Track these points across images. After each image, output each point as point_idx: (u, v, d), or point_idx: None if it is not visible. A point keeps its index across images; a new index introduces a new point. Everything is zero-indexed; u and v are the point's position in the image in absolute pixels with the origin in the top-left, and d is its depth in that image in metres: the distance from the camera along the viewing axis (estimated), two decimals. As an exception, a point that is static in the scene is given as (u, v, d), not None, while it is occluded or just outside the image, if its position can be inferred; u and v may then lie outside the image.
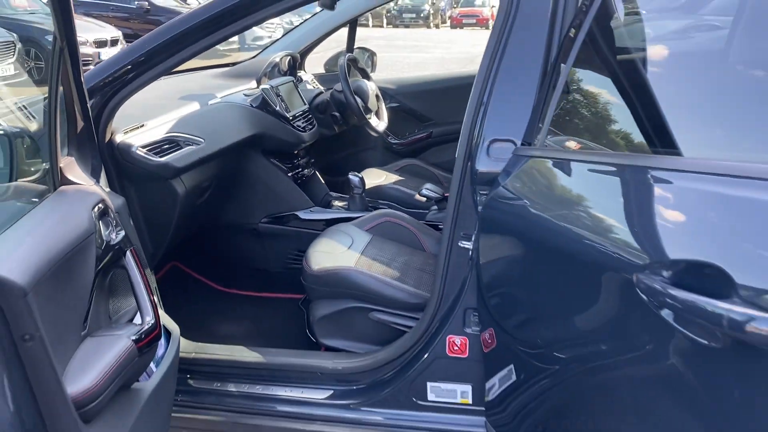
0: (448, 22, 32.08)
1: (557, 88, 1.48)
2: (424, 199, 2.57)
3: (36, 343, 1.00)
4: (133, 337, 1.26)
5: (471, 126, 1.65)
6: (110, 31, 12.23)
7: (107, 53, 10.98)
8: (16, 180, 1.55)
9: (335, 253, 2.15)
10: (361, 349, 2.02)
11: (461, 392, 1.80)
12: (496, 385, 1.68)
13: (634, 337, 1.08)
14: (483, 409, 1.76)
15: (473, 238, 1.67)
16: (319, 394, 1.92)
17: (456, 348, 1.76)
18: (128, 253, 1.48)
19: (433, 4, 30.00)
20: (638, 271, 1.01)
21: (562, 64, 1.51)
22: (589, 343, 1.25)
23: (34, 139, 1.71)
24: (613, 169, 1.26)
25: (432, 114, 3.43)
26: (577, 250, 1.23)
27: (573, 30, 1.51)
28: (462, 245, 1.70)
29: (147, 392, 1.42)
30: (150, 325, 1.36)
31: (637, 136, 1.39)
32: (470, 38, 20.07)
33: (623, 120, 1.44)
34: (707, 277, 0.90)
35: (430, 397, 1.81)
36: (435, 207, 2.60)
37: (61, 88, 1.44)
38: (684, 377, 0.98)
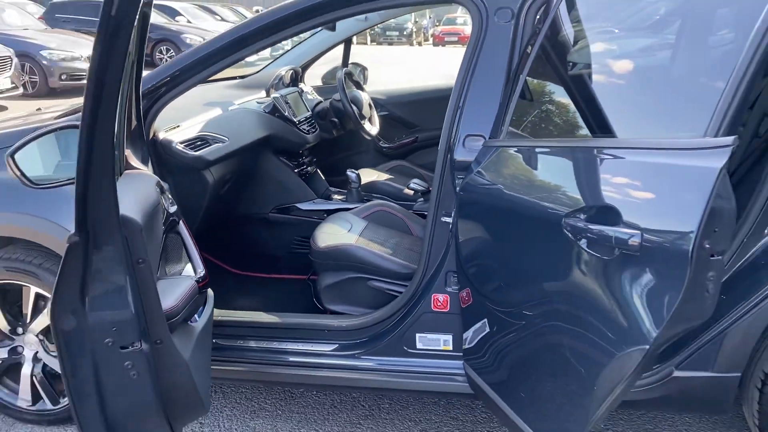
0: (431, 40, 32.80)
1: (516, 93, 1.91)
2: (412, 192, 2.99)
3: (146, 266, 1.40)
4: (196, 278, 1.67)
5: (450, 125, 2.08)
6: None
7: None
8: None
9: (338, 234, 2.57)
10: (360, 312, 2.42)
11: (443, 341, 2.21)
12: (471, 335, 2.10)
13: (564, 265, 1.51)
14: (461, 354, 2.17)
15: (453, 214, 2.09)
16: (327, 348, 2.32)
17: (439, 304, 2.17)
18: (180, 221, 1.88)
19: (416, 22, 30.67)
20: (566, 218, 1.45)
21: (520, 75, 1.94)
22: (537, 280, 1.68)
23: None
24: (561, 150, 1.70)
25: (417, 121, 3.88)
26: (531, 213, 1.66)
27: (529, 47, 1.95)
28: (444, 220, 2.12)
29: (198, 329, 1.82)
30: (202, 274, 1.76)
31: (580, 125, 1.83)
32: (452, 55, 20.63)
33: (568, 114, 1.88)
34: (608, 215, 1.33)
35: (419, 345, 2.22)
36: (421, 199, 3.03)
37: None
38: (598, 282, 1.42)
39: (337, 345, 2.32)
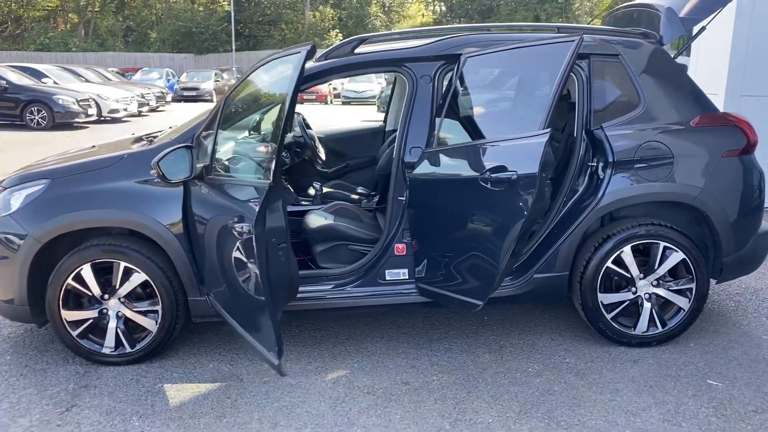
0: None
1: (437, 125, 3.42)
2: (358, 196, 4.40)
3: (285, 249, 2.71)
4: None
5: (401, 141, 3.53)
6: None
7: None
8: (191, 175, 3.18)
9: (321, 220, 3.90)
10: (344, 266, 3.75)
11: (402, 273, 3.60)
12: (419, 266, 3.52)
13: (476, 202, 3.03)
14: (414, 279, 3.58)
15: (405, 195, 3.52)
16: (326, 286, 3.61)
17: (399, 250, 3.58)
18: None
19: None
20: (480, 176, 2.96)
21: (437, 118, 3.46)
22: (458, 219, 3.18)
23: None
24: (469, 147, 3.22)
25: (347, 151, 5.31)
26: (451, 183, 3.16)
27: (441, 100, 3.47)
28: (399, 199, 3.55)
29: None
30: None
31: (466, 137, 3.38)
32: (317, 110, 22.21)
33: (462, 132, 3.42)
34: (501, 169, 2.88)
35: (387, 278, 3.59)
36: (365, 200, 4.44)
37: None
38: (497, 203, 2.97)
39: (333, 284, 3.62)
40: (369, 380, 3.33)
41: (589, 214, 3.44)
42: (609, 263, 3.51)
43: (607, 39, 3.61)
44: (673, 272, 3.58)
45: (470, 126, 3.43)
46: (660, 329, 3.60)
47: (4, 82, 15.86)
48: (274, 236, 2.89)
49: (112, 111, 17.86)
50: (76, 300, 3.49)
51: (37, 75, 18.21)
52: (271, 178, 2.79)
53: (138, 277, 3.42)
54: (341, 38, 45.44)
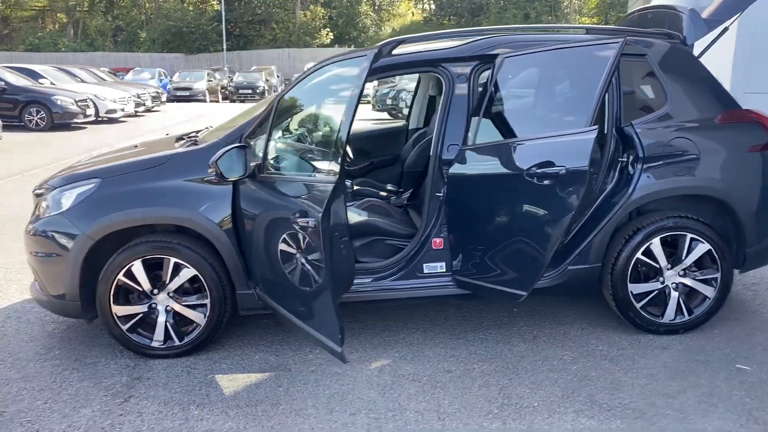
0: (281, 97, 34.55)
1: (473, 123, 3.56)
2: (386, 193, 4.54)
3: (347, 242, 2.84)
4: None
5: (438, 140, 3.67)
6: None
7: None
8: (245, 174, 3.30)
9: (356, 216, 4.03)
10: (380, 260, 3.88)
11: (440, 266, 3.74)
12: (456, 260, 3.66)
13: (520, 197, 3.18)
14: (450, 273, 3.72)
15: (442, 192, 3.65)
16: (366, 279, 3.74)
17: (436, 244, 3.72)
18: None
19: (267, 81, 32.37)
20: (526, 172, 3.11)
21: (474, 117, 3.60)
22: (498, 214, 3.32)
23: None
24: (504, 145, 3.37)
25: (371, 149, 5.44)
26: (491, 178, 3.30)
27: (479, 99, 3.62)
28: (437, 195, 3.69)
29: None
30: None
31: (503, 135, 3.52)
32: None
33: (499, 130, 3.56)
34: (550, 165, 3.02)
35: (425, 271, 3.73)
36: (394, 197, 4.58)
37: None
38: (545, 197, 3.13)
39: (372, 277, 3.75)
40: (412, 369, 3.47)
41: (621, 208, 3.59)
42: (639, 254, 3.66)
43: (634, 39, 3.76)
44: (699, 263, 3.75)
45: (509, 124, 3.57)
46: (687, 317, 3.76)
47: (3, 83, 15.83)
48: (337, 230, 3.02)
49: (109, 111, 17.87)
50: (125, 295, 3.60)
51: (34, 75, 18.17)
52: (338, 176, 2.92)
53: (187, 272, 3.54)
54: (332, 37, 45.62)
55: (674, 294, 3.73)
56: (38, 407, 3.15)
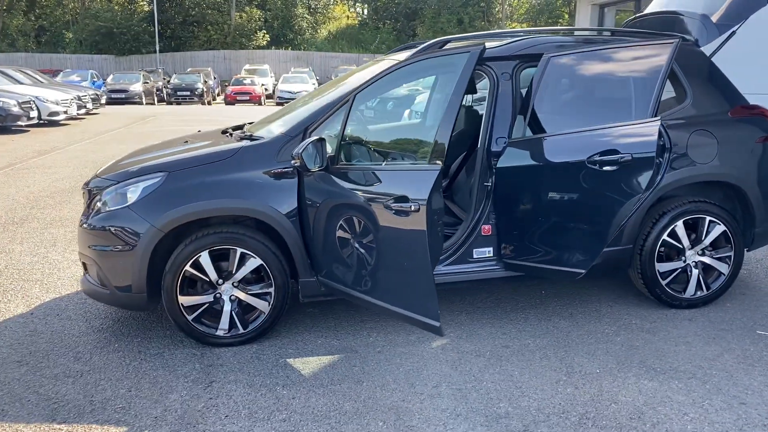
0: (218, 99, 34.17)
1: (517, 120, 3.85)
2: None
3: (442, 225, 3.08)
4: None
5: (485, 133, 3.94)
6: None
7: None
8: (324, 165, 3.46)
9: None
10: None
11: (488, 251, 4.00)
12: (503, 246, 3.94)
13: (580, 184, 3.48)
14: (497, 257, 3.99)
15: (490, 182, 3.92)
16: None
17: (485, 230, 3.98)
18: None
19: (205, 83, 31.90)
20: (588, 159, 3.42)
21: (519, 115, 3.89)
22: (558, 202, 3.62)
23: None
24: (562, 136, 3.67)
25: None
26: (545, 168, 3.60)
27: (522, 98, 3.91)
28: (485, 185, 3.95)
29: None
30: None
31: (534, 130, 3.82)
32: (247, 111, 22.16)
33: (539, 124, 3.86)
34: (615, 152, 3.34)
35: (475, 255, 3.99)
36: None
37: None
38: (610, 183, 3.46)
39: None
40: (472, 346, 3.72)
41: (652, 193, 3.96)
42: (665, 236, 4.04)
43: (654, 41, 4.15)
44: (714, 243, 4.17)
45: (560, 118, 3.87)
46: (705, 292, 4.18)
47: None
48: (436, 214, 3.23)
49: (51, 114, 17.22)
50: (191, 285, 3.69)
51: (-33, 77, 17.35)
52: (442, 163, 3.14)
53: (253, 262, 3.66)
54: (269, 39, 45.26)
55: (695, 271, 4.14)
56: (123, 395, 3.21)
